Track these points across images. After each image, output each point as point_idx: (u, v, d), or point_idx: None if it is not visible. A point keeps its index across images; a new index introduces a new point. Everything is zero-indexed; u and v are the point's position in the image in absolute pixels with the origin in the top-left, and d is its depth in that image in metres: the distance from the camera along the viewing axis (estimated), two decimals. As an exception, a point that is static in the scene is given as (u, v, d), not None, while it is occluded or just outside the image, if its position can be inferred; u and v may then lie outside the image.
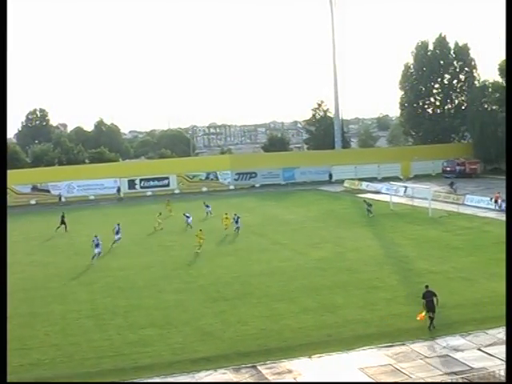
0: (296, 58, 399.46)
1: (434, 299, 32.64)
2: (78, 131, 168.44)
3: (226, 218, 65.02)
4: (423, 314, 32.49)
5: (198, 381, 27.73)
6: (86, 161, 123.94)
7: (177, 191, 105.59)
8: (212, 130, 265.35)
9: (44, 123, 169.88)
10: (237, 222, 64.29)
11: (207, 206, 75.94)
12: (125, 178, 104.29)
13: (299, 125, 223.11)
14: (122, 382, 28.16)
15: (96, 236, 54.33)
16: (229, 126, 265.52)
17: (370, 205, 73.30)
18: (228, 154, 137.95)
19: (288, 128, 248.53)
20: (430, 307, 32.45)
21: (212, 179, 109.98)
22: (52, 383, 28.54)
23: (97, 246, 53.45)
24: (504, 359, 27.90)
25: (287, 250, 54.97)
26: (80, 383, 28.56)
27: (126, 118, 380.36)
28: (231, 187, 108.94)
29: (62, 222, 70.16)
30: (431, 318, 32.53)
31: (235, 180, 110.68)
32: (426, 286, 33.69)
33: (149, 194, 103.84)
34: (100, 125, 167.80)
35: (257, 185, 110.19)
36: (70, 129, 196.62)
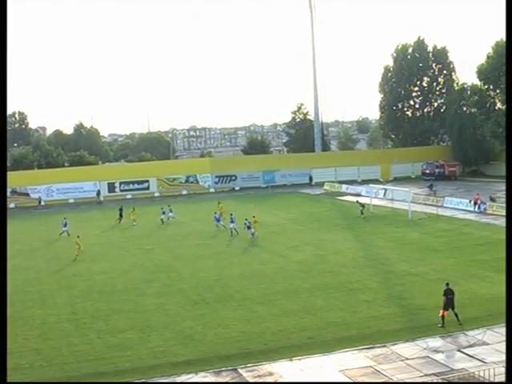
0: (276, 60, 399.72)
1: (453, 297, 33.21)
2: (58, 134, 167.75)
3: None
4: (446, 313, 32.99)
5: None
6: (66, 164, 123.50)
7: (157, 194, 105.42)
8: (192, 133, 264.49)
9: (23, 126, 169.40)
10: (232, 221, 63.93)
11: (170, 211, 73.80)
12: (104, 181, 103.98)
13: (279, 128, 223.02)
14: (122, 382, 28.12)
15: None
16: (209, 128, 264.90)
17: (363, 206, 73.75)
18: (208, 157, 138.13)
19: (268, 131, 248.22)
20: (450, 304, 33.00)
21: (192, 182, 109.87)
22: (52, 383, 28.45)
23: None
24: (484, 360, 28.14)
25: (268, 252, 54.96)
26: (80, 383, 28.46)
27: (105, 121, 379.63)
28: (211, 190, 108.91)
29: (121, 215, 73.61)
30: (456, 314, 33.09)
31: (215, 183, 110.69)
32: (447, 284, 34.08)
33: (129, 197, 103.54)
34: (79, 128, 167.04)
35: (237, 188, 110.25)
36: (49, 132, 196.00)
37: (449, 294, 33.38)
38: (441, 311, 33.18)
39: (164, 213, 67.48)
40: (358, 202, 76.85)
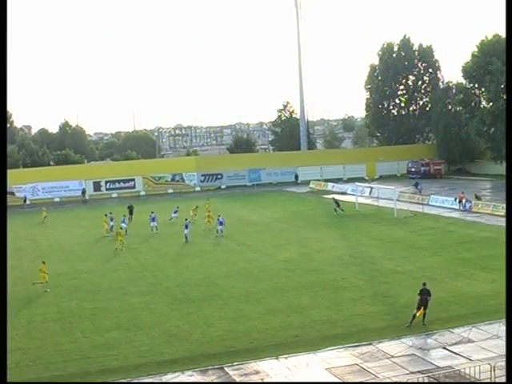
0: (262, 59, 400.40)
1: (429, 297, 33.23)
2: (43, 133, 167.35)
3: (209, 215, 66.90)
4: (421, 311, 33.02)
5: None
6: (51, 163, 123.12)
7: (142, 193, 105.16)
8: (178, 132, 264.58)
9: (8, 125, 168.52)
10: (221, 223, 63.48)
11: (111, 219, 69.56)
12: (90, 179, 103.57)
13: (265, 126, 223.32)
14: (122, 382, 28.10)
15: None
16: (194, 127, 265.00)
17: (337, 204, 73.85)
18: (194, 156, 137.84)
19: (254, 129, 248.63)
20: (423, 304, 33.02)
21: (178, 181, 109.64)
22: (52, 383, 28.39)
23: None
24: (469, 358, 28.26)
25: (253, 251, 54.99)
26: (80, 383, 28.39)
27: (91, 119, 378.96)
28: (197, 189, 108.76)
29: (131, 213, 72.66)
30: (424, 314, 33.14)
31: (201, 181, 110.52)
32: (424, 284, 34.09)
33: (114, 195, 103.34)
34: (65, 126, 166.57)
35: (223, 186, 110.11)
36: (34, 131, 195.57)
37: (424, 293, 33.38)
38: (420, 311, 33.13)
39: (154, 219, 66.72)
40: (333, 199, 76.95)
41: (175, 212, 71.85)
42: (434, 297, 33.79)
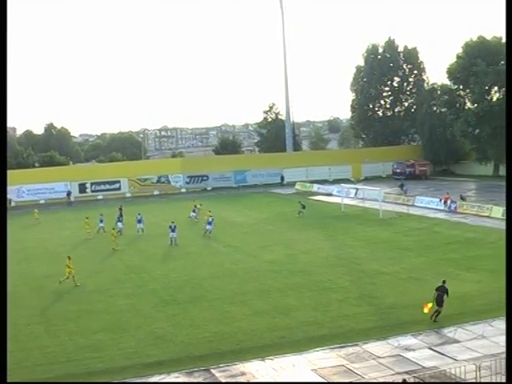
0: (247, 61, 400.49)
1: (445, 295, 33.70)
2: (28, 134, 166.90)
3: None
4: (430, 305, 33.48)
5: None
6: (36, 164, 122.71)
7: (128, 195, 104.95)
8: (163, 133, 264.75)
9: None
10: (210, 223, 63.82)
11: (101, 221, 69.41)
12: (75, 181, 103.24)
13: (250, 128, 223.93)
14: (122, 381, 28.07)
15: None
16: (180, 129, 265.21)
17: (303, 207, 74.04)
18: (179, 157, 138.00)
19: (239, 131, 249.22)
20: (439, 301, 33.48)
21: (163, 182, 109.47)
22: (52, 383, 28.33)
23: None
24: (455, 358, 28.32)
25: (239, 252, 54.97)
26: (80, 383, 28.33)
27: (76, 121, 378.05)
28: (183, 190, 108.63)
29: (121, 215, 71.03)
30: (438, 312, 33.52)
31: (187, 183, 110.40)
32: (443, 282, 34.59)
33: (100, 197, 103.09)
34: (50, 128, 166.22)
35: (208, 188, 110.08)
36: (19, 132, 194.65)
37: (439, 290, 33.90)
38: (427, 306, 33.67)
39: (140, 221, 66.58)
40: (299, 202, 76.94)
41: (194, 211, 72.53)
42: (414, 298, 33.89)
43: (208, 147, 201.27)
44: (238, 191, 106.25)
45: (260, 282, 43.72)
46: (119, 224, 66.20)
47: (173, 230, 59.89)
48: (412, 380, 25.03)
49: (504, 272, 35.65)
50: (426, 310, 33.49)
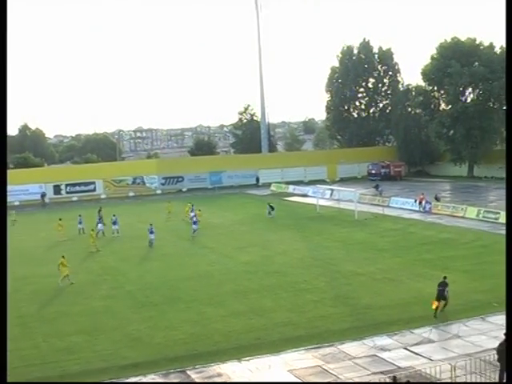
0: (222, 61, 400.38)
1: (446, 289, 34.44)
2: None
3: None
4: (436, 302, 34.17)
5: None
6: (10, 166, 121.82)
7: (103, 196, 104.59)
8: (138, 134, 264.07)
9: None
10: (195, 223, 64.50)
11: (80, 222, 69.34)
12: (50, 183, 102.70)
13: (226, 129, 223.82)
14: (123, 381, 28.07)
15: None
16: (155, 130, 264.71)
17: (272, 208, 74.33)
18: (155, 158, 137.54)
19: (215, 132, 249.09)
20: (441, 296, 34.32)
21: (139, 184, 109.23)
22: (52, 383, 28.27)
23: None
24: (430, 358, 28.51)
25: (215, 253, 54.98)
26: (82, 383, 28.30)
27: (51, 122, 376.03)
28: (158, 192, 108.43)
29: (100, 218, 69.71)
30: (445, 305, 34.51)
31: (162, 184, 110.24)
32: (444, 277, 35.40)
33: (75, 199, 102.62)
34: (24, 129, 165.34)
35: (184, 189, 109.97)
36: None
37: (441, 286, 34.59)
38: (433, 302, 34.28)
39: (115, 222, 66.38)
40: (269, 203, 77.19)
41: (192, 211, 72.06)
42: (390, 298, 34.01)
43: (183, 148, 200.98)
44: (213, 192, 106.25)
45: (236, 284, 43.77)
46: (100, 225, 66.05)
47: (151, 233, 59.79)
48: (388, 380, 25.18)
49: (478, 272, 36.20)
50: (433, 306, 34.10)
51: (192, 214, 69.04)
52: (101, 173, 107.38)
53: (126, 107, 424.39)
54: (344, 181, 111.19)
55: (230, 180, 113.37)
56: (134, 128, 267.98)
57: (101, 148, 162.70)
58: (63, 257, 46.39)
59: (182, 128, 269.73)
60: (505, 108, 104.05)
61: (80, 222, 67.78)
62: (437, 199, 77.44)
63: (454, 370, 24.91)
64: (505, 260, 30.78)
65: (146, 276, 47.48)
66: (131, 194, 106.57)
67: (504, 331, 25.76)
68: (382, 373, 26.96)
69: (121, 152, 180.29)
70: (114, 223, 66.31)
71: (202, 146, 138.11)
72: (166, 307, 38.96)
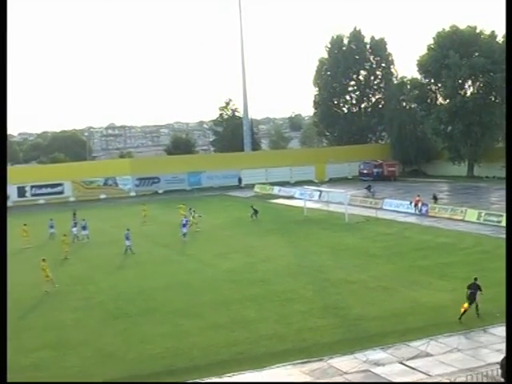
0: (202, 53, 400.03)
1: (478, 292, 35.02)
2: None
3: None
4: (466, 305, 34.72)
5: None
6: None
7: (72, 199, 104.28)
8: (110, 132, 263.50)
9: None
10: (184, 226, 64.81)
11: (51, 227, 69.75)
12: (14, 184, 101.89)
13: (205, 125, 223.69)
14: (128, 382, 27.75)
15: None
16: (129, 127, 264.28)
17: (256, 212, 74.66)
18: (128, 158, 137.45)
19: (193, 129, 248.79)
20: (472, 299, 34.93)
21: (111, 185, 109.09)
22: (52, 383, 28.36)
23: None
24: (427, 373, 28.53)
25: (194, 261, 54.91)
26: (83, 383, 28.46)
27: (14, 118, 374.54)
28: (132, 194, 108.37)
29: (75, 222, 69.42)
30: (466, 310, 34.98)
31: (136, 186, 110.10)
32: (475, 279, 35.73)
33: (41, 202, 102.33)
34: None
35: (160, 191, 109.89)
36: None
37: (472, 288, 35.12)
38: (463, 305, 34.89)
39: (84, 227, 66.09)
40: (252, 207, 77.48)
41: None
42: (383, 308, 34.01)
43: (159, 147, 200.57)
44: (192, 194, 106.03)
45: (217, 293, 43.67)
46: (74, 230, 65.90)
47: (127, 238, 59.58)
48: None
49: (479, 280, 36.17)
50: (462, 309, 34.73)
51: (185, 220, 68.96)
52: (69, 173, 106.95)
53: (97, 102, 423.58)
54: (333, 181, 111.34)
55: (210, 181, 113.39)
56: (105, 125, 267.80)
57: (69, 146, 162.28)
58: (44, 260, 46.72)
59: (158, 125, 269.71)
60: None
61: (51, 227, 67.69)
62: (435, 198, 77.58)
63: (454, 385, 24.97)
64: (506, 263, 30.95)
65: (119, 285, 47.31)
66: (103, 196, 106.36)
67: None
68: (375, 389, 26.99)
69: (91, 151, 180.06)
70: (84, 228, 66.12)
71: (180, 144, 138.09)
72: (140, 319, 38.81)
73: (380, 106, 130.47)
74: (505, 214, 61.92)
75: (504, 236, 53.42)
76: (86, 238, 65.62)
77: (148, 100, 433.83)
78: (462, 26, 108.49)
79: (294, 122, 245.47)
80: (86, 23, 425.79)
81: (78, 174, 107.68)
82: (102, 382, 28.35)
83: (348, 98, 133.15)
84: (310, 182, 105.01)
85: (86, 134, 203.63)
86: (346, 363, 30.21)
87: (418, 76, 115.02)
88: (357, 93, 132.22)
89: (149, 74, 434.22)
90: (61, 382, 28.52)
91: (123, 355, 32.84)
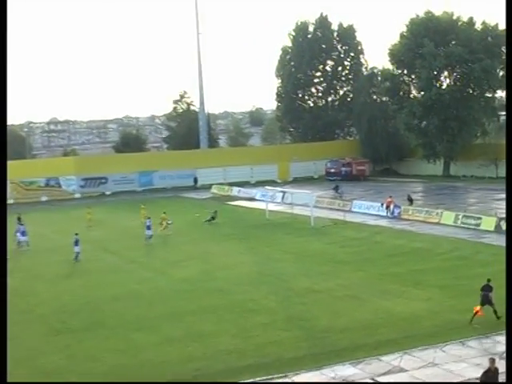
0: (154, 42, 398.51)
1: (490, 294, 35.60)
2: None
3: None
4: (478, 307, 35.27)
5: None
6: None
7: (10, 201, 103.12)
8: (52, 127, 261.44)
9: None
10: (149, 228, 65.65)
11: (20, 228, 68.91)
12: None
13: (158, 120, 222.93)
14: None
15: None
16: (73, 122, 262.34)
17: (214, 215, 75.69)
18: (72, 156, 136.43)
19: (144, 124, 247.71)
20: (486, 301, 35.59)
21: (53, 186, 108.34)
22: (52, 383, 28.60)
23: None
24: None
25: (145, 269, 54.74)
26: (83, 383, 28.69)
27: None
28: (77, 195, 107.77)
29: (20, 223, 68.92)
30: (478, 313, 35.61)
31: (81, 187, 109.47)
32: (488, 280, 36.29)
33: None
34: None
35: (108, 192, 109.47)
36: None
37: (485, 290, 35.77)
38: (475, 308, 35.44)
39: (23, 233, 65.46)
40: (215, 211, 77.56)
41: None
42: (353, 319, 34.03)
43: (107, 144, 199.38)
44: (143, 196, 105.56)
45: (170, 305, 43.53)
46: (19, 234, 65.05)
47: (76, 244, 59.03)
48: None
49: (456, 288, 36.50)
50: (474, 311, 35.41)
51: (148, 221, 68.50)
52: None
53: (38, 95, 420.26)
54: (298, 181, 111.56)
55: (162, 181, 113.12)
56: (47, 119, 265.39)
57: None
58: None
59: (106, 119, 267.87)
60: (487, 95, 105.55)
61: None
62: (409, 200, 77.82)
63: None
64: (505, 268, 31.29)
65: (62, 297, 46.93)
66: (44, 198, 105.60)
67: (489, 357, 25.93)
68: (344, 408, 26.99)
69: (31, 148, 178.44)
70: (23, 234, 65.50)
71: (130, 140, 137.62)
72: (86, 334, 38.49)
73: (348, 99, 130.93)
74: (484, 217, 62.65)
75: (484, 241, 54.12)
76: (25, 244, 65.02)
77: (94, 92, 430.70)
78: (438, 12, 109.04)
79: (255, 117, 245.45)
80: (28, 11, 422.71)
81: (16, 173, 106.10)
82: (104, 382, 28.17)
83: (314, 90, 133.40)
84: (272, 182, 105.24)
85: (26, 129, 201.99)
86: (312, 379, 30.20)
87: (389, 66, 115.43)
88: (323, 85, 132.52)
89: (95, 64, 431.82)
90: (61, 382, 28.89)
91: (66, 374, 32.37)
